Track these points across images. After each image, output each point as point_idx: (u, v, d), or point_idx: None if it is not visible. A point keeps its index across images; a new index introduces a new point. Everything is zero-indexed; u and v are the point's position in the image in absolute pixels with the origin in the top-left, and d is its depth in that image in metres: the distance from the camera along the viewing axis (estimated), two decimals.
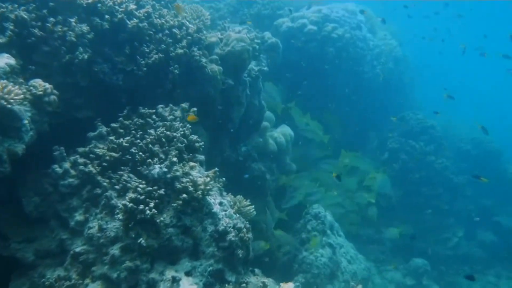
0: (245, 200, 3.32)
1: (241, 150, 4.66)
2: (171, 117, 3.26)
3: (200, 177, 2.90)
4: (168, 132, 3.04)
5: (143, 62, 3.37)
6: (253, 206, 3.29)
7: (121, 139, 3.01)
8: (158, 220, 2.66)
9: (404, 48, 10.19)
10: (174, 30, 3.57)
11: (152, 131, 3.07)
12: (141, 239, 2.59)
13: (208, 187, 2.86)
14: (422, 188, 8.03)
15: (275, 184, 5.95)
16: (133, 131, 3.08)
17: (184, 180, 2.84)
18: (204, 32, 3.89)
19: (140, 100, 3.42)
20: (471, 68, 21.46)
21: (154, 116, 3.24)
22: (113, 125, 3.13)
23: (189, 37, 3.61)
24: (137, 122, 3.15)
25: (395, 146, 8.22)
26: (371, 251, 7.75)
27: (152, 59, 3.40)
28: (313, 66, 6.74)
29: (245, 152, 4.70)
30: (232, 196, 3.25)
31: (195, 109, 3.45)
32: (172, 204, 2.74)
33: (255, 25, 6.91)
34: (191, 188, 2.79)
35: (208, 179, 2.89)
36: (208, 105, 3.84)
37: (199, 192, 2.79)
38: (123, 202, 2.65)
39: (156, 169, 2.81)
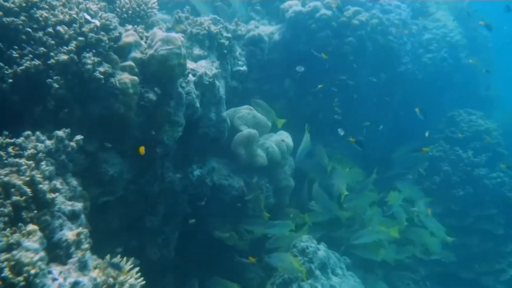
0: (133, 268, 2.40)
1: (193, 174, 3.71)
2: (31, 151, 2.36)
3: (33, 252, 2.00)
4: (6, 179, 2.16)
5: (8, 71, 2.50)
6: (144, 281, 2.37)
7: None
8: None
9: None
10: (59, 28, 2.64)
11: None
12: None
13: (39, 270, 1.95)
14: (468, 207, 6.59)
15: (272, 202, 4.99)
16: None
17: (2, 257, 1.95)
18: (120, 29, 2.93)
19: (15, 122, 2.57)
20: None
21: (10, 149, 2.36)
22: None
23: (81, 38, 2.66)
24: None
25: (437, 154, 6.80)
26: (400, 279, 6.53)
27: (22, 67, 2.52)
28: (326, 62, 5.54)
29: (199, 177, 3.74)
30: (112, 266, 2.33)
31: (79, 137, 2.52)
32: None
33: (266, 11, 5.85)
34: (7, 273, 1.90)
35: (37, 257, 1.97)
36: (118, 126, 2.90)
37: (21, 279, 1.89)
38: None
39: None
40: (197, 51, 3.78)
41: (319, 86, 5.45)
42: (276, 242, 4.42)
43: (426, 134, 5.84)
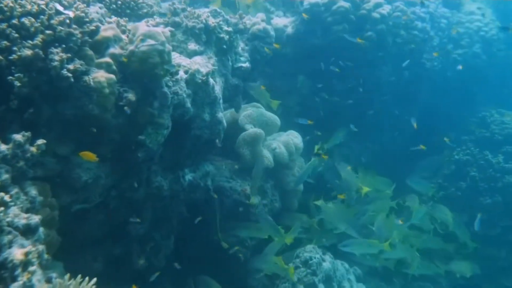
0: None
1: (184, 179, 3.44)
2: None
3: None
4: None
5: None
6: None
7: None
8: None
9: None
10: (24, 19, 2.40)
11: None
12: None
13: None
14: (496, 216, 6.10)
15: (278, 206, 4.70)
16: None
17: None
18: (97, 22, 2.67)
19: None
20: None
21: None
22: None
23: (49, 31, 2.41)
24: None
25: (464, 158, 6.30)
26: None
27: None
28: (343, 57, 5.15)
29: (190, 182, 3.47)
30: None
31: (41, 141, 2.28)
32: None
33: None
34: None
35: None
36: (94, 128, 2.65)
37: None
38: None
39: None
40: (192, 46, 3.50)
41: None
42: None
43: (446, 140, 5.37)
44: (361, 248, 4.03)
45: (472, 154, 6.32)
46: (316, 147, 4.50)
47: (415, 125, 5.44)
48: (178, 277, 3.95)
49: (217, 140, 3.45)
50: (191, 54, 3.49)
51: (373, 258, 4.70)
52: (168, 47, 2.80)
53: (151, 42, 2.69)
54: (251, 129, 4.52)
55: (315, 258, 4.11)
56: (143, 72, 2.73)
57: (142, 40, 2.69)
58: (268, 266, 3.72)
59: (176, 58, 3.30)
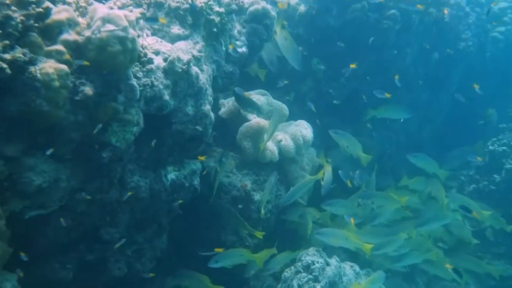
0: None
1: (167, 178, 3.11)
2: None
3: None
4: None
5: None
6: None
7: None
8: None
9: None
10: None
11: None
12: None
13: None
14: None
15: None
16: None
17: None
18: (47, 2, 2.32)
19: None
20: None
21: None
22: None
23: None
24: None
25: (500, 150, 5.69)
26: None
27: None
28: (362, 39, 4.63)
29: (173, 181, 3.13)
30: None
31: None
32: None
33: None
34: None
35: None
36: (47, 126, 2.35)
37: None
38: None
39: None
40: (176, 29, 3.11)
41: (352, 66, 4.58)
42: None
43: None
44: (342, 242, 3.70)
45: (509, 145, 5.71)
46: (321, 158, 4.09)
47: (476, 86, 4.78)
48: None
49: (204, 137, 3.08)
50: (174, 39, 3.11)
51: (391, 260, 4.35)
52: (133, 33, 2.43)
53: (111, 27, 2.33)
54: (254, 120, 4.14)
55: (318, 262, 3.72)
56: (102, 63, 2.38)
57: (101, 26, 2.33)
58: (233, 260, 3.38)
59: (155, 44, 2.94)
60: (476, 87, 4.58)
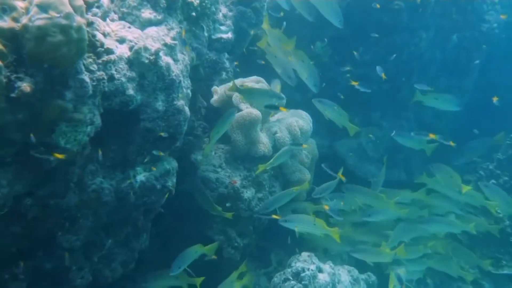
0: None
1: (136, 179, 2.80)
2: None
3: None
4: None
5: None
6: None
7: None
8: None
9: None
10: None
11: None
12: None
13: None
14: None
15: None
16: None
17: None
18: None
19: None
20: None
21: None
22: None
23: None
24: None
25: None
26: None
27: None
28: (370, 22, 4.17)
29: (143, 183, 2.82)
30: None
31: None
32: None
33: None
34: None
35: None
36: None
37: None
38: None
39: None
40: (147, 13, 2.74)
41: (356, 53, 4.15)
42: None
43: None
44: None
45: None
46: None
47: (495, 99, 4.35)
48: None
49: (177, 135, 2.75)
50: (145, 25, 2.74)
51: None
52: (79, 20, 2.08)
53: (51, 14, 1.99)
54: (246, 110, 3.80)
55: (308, 270, 3.42)
56: (42, 55, 2.05)
57: (38, 12, 1.99)
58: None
59: (120, 30, 2.59)
60: (495, 99, 4.11)
